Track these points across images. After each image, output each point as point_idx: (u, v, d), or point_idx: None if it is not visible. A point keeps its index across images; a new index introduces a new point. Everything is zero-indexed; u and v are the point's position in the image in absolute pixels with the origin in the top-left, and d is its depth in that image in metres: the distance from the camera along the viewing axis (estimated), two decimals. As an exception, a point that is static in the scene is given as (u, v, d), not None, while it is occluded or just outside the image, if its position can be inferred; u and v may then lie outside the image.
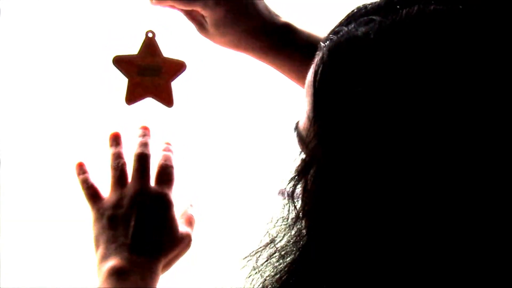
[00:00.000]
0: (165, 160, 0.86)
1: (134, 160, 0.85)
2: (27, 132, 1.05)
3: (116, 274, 0.78)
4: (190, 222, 0.86)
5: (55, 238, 1.05)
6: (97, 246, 0.83)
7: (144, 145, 0.86)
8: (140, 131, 0.88)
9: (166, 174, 0.85)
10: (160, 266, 0.81)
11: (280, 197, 0.59)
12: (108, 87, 0.96)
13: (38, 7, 1.02)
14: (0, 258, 1.02)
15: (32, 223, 1.05)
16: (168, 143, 0.89)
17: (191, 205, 0.88)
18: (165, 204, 0.83)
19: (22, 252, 1.04)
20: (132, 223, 0.81)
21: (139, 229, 0.81)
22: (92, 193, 0.85)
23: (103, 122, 0.96)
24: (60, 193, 1.05)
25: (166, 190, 0.84)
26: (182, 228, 0.84)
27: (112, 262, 0.79)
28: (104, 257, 0.80)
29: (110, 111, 0.97)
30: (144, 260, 0.79)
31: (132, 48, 0.89)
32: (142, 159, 0.85)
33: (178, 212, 0.85)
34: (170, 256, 0.82)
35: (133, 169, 0.85)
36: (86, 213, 1.04)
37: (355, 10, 0.56)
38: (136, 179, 0.84)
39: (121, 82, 0.89)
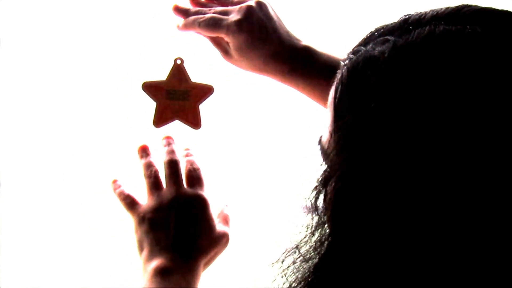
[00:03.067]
0: (191, 165, 0.91)
1: (165, 168, 0.90)
2: (27, 136, 1.06)
3: (160, 273, 0.82)
4: (226, 221, 0.90)
5: (55, 238, 1.05)
6: (141, 248, 0.87)
7: (171, 152, 0.92)
8: (164, 141, 0.94)
9: (195, 176, 0.90)
10: (201, 264, 0.85)
11: (304, 210, 0.62)
12: (138, 111, 1.01)
13: (70, 32, 1.05)
14: (0, 258, 1.03)
15: (32, 223, 1.05)
16: (187, 149, 0.94)
17: (226, 205, 0.93)
18: (201, 204, 0.88)
19: (22, 252, 1.04)
20: (172, 225, 0.85)
21: (179, 231, 0.85)
22: (130, 202, 0.90)
23: (131, 142, 1.00)
24: (60, 193, 1.05)
25: (199, 191, 0.89)
26: (219, 227, 0.88)
27: (156, 262, 0.83)
28: (148, 258, 0.84)
29: (139, 133, 1.01)
30: (185, 259, 0.84)
31: (161, 74, 0.94)
32: (173, 165, 0.90)
33: (215, 212, 0.89)
34: (210, 254, 0.86)
35: (166, 175, 0.90)
36: (86, 213, 1.05)
37: (373, 31, 0.60)
38: (171, 183, 0.89)
39: (151, 106, 0.94)
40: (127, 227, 1.04)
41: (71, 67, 1.05)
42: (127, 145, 1.04)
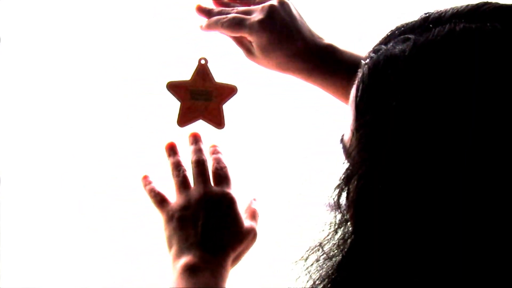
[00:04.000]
0: (218, 163, 0.92)
1: (193, 167, 0.92)
2: (27, 136, 1.06)
3: (188, 270, 0.83)
4: (254, 216, 0.91)
5: (55, 238, 1.05)
6: (170, 246, 0.88)
7: (199, 151, 0.93)
8: (191, 139, 0.95)
9: (222, 175, 0.91)
10: (229, 261, 0.86)
11: (327, 208, 0.62)
12: (138, 111, 1.02)
13: (70, 32, 1.05)
14: (0, 258, 1.03)
15: (32, 223, 1.05)
16: (214, 145, 0.95)
17: (254, 199, 0.94)
18: (228, 202, 0.89)
19: (22, 252, 1.05)
20: (200, 223, 0.87)
21: (207, 228, 0.86)
22: (160, 200, 0.91)
23: (131, 142, 1.03)
24: (60, 193, 1.05)
25: (226, 189, 0.90)
26: (246, 223, 0.89)
27: (185, 259, 0.84)
28: (177, 256, 0.86)
29: (139, 132, 1.03)
30: (213, 256, 0.85)
31: (185, 74, 0.95)
32: (200, 164, 0.91)
33: (242, 207, 0.91)
34: (238, 250, 0.87)
35: (194, 174, 0.91)
36: (86, 213, 1.05)
37: (393, 29, 0.60)
38: (198, 183, 0.90)
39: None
40: (127, 227, 1.05)
41: (71, 67, 1.05)
42: (127, 145, 1.04)
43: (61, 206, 1.05)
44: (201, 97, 0.94)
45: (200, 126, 0.96)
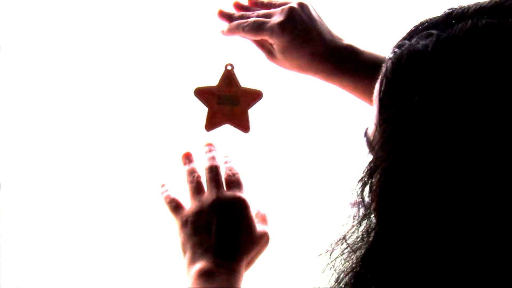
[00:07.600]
0: (229, 170, 0.93)
1: (206, 173, 0.92)
2: (27, 137, 1.06)
3: (203, 276, 0.83)
4: (264, 219, 0.92)
5: (55, 238, 1.05)
6: (184, 251, 0.88)
7: (212, 158, 0.94)
8: (206, 148, 0.96)
9: (233, 180, 0.92)
10: (243, 265, 0.86)
11: (351, 204, 0.63)
12: (137, 111, 1.03)
13: (70, 33, 1.05)
14: (0, 258, 1.03)
15: (32, 223, 1.05)
16: (226, 156, 0.96)
17: (262, 204, 0.94)
18: (241, 205, 0.89)
19: (22, 252, 1.05)
20: (214, 228, 0.87)
21: (220, 233, 0.87)
22: (175, 206, 0.92)
23: (131, 142, 1.04)
24: (60, 193, 1.05)
25: (238, 193, 0.90)
26: (259, 227, 0.89)
27: (199, 265, 0.84)
28: (192, 262, 0.86)
29: (139, 132, 1.04)
30: (227, 261, 0.85)
31: (212, 79, 0.96)
32: (213, 170, 0.92)
33: (253, 213, 0.91)
34: (251, 255, 0.88)
35: (207, 180, 0.92)
36: (86, 213, 1.05)
37: (417, 25, 0.61)
38: (211, 188, 0.91)
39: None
40: (127, 227, 1.05)
41: (71, 68, 1.05)
42: (127, 145, 1.04)
43: (61, 206, 1.05)
44: (228, 102, 0.95)
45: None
